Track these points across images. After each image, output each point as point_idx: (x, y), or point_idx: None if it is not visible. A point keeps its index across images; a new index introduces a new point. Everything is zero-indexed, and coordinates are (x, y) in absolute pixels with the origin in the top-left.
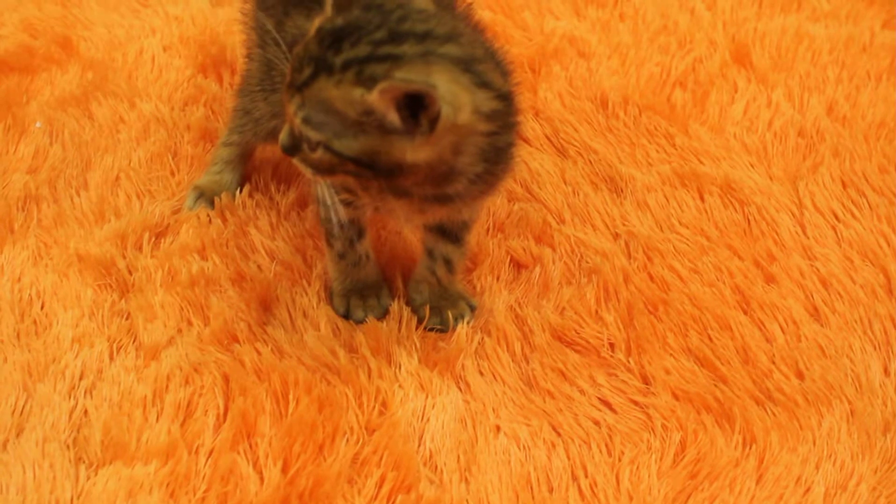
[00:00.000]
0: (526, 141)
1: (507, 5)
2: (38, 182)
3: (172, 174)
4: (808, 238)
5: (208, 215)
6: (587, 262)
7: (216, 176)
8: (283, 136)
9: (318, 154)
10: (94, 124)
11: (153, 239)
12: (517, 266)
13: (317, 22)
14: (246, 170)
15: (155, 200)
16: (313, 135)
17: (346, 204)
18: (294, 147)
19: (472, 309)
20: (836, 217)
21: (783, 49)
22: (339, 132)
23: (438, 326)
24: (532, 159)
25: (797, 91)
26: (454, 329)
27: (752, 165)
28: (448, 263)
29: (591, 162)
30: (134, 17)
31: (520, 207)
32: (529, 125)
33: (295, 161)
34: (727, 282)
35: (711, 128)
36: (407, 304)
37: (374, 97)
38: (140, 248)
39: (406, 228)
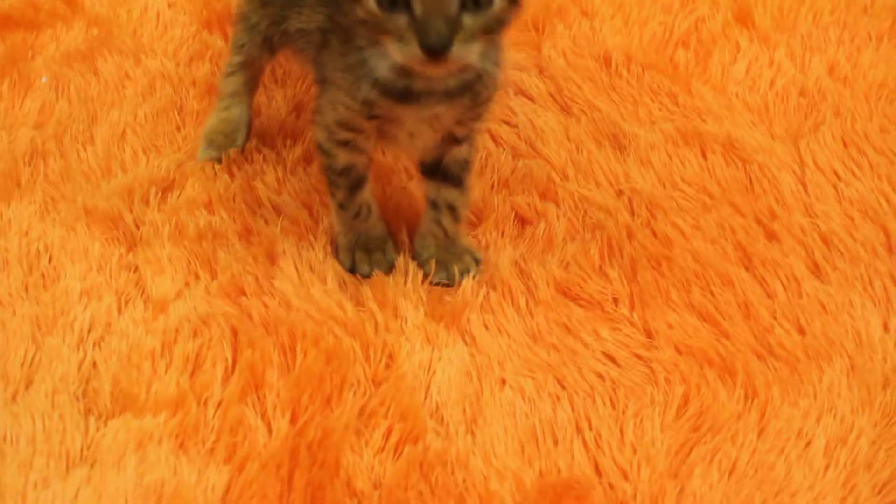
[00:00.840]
0: (530, 98)
1: None
2: (45, 137)
3: (178, 129)
4: (810, 196)
5: (214, 170)
6: (591, 219)
7: (224, 113)
8: (438, 30)
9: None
10: (99, 80)
11: (160, 193)
12: (522, 222)
13: None
14: (253, 102)
15: (161, 155)
16: None
17: (344, 145)
18: (452, 32)
19: (478, 263)
20: (838, 176)
21: (785, 9)
22: None
23: (444, 281)
24: (536, 116)
25: (799, 51)
26: (460, 283)
27: (753, 124)
28: (453, 211)
29: (594, 120)
30: None
31: (524, 164)
32: (533, 82)
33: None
34: (729, 238)
35: (714, 87)
36: (413, 258)
37: None
38: (147, 203)
39: (408, 154)
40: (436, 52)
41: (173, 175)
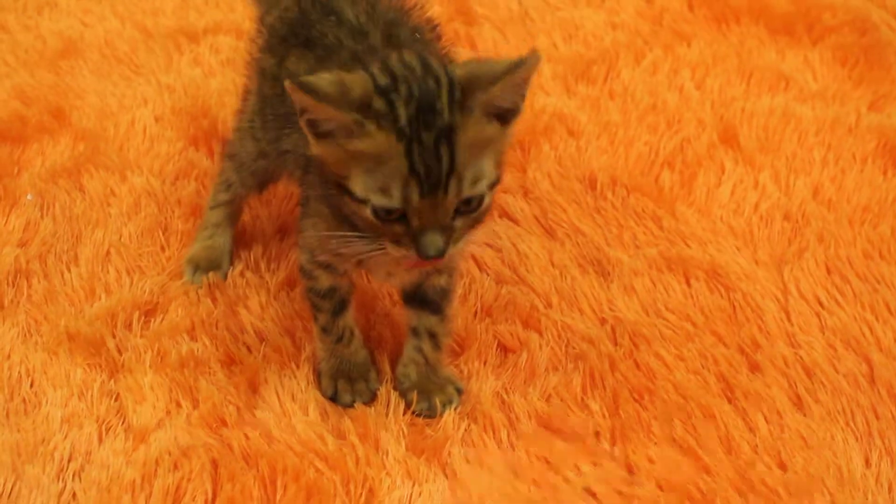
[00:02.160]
0: (514, 221)
1: None
2: (29, 256)
3: (163, 249)
4: (793, 325)
5: (198, 293)
6: (574, 348)
7: (208, 241)
8: (435, 244)
9: (487, 199)
10: (84, 197)
11: (143, 318)
12: (504, 350)
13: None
14: (235, 231)
15: (145, 276)
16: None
17: (326, 267)
18: (447, 240)
19: (460, 393)
20: (821, 304)
21: (770, 130)
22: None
23: (426, 412)
24: (520, 240)
25: (784, 173)
26: (441, 415)
27: (738, 249)
28: (433, 338)
29: (578, 244)
30: (126, 86)
31: (507, 291)
32: (518, 205)
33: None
34: (712, 369)
35: (699, 209)
36: (394, 388)
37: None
38: (130, 328)
39: (390, 283)
40: (432, 259)
41: (157, 298)
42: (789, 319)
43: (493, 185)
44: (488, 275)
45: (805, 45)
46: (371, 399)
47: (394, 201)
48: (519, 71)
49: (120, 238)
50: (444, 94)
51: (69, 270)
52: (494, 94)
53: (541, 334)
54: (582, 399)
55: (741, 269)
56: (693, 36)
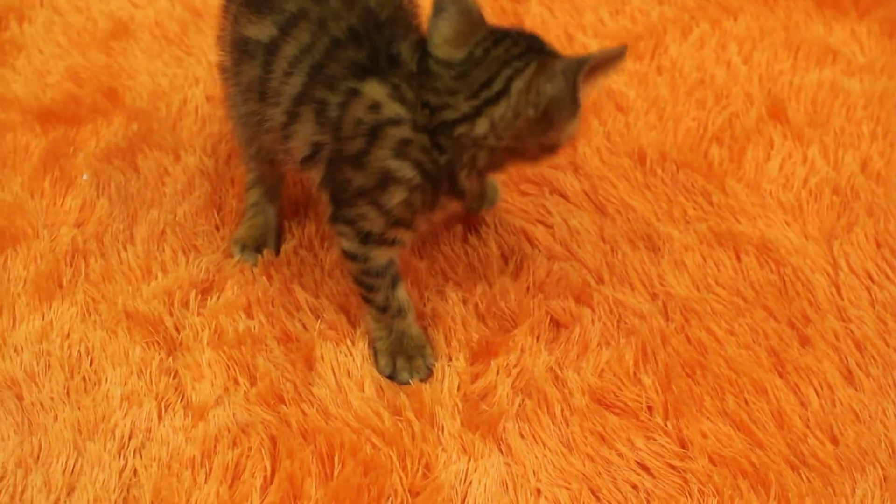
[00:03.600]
0: (565, 197)
1: None
2: (86, 236)
3: (217, 229)
4: (843, 299)
5: (253, 272)
6: (626, 323)
7: (250, 220)
8: None
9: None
10: (139, 177)
11: (199, 296)
12: (557, 325)
13: None
14: (279, 204)
15: (200, 255)
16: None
17: (390, 243)
18: None
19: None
20: (871, 278)
21: (818, 104)
22: None
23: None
24: (571, 216)
25: (832, 147)
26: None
27: (787, 224)
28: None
29: (629, 220)
30: (177, 66)
31: (559, 267)
32: (568, 181)
33: None
34: (763, 344)
35: (748, 184)
36: (449, 363)
37: None
38: (187, 306)
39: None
40: None
41: (212, 277)
42: (839, 294)
43: None
44: (540, 251)
45: (852, 18)
46: (428, 375)
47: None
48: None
49: (175, 217)
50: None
51: (125, 249)
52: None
53: (593, 309)
54: (634, 374)
55: (791, 244)
56: (740, 10)
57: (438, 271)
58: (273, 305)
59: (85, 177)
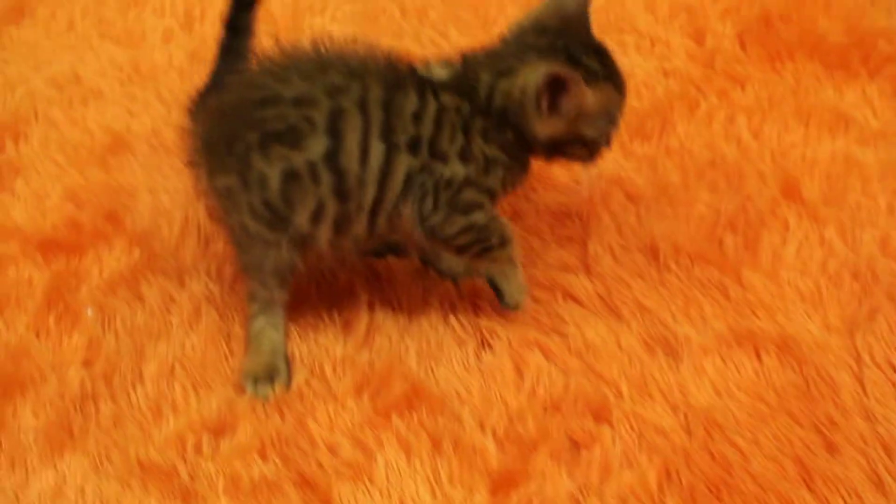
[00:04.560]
0: (579, 302)
1: None
2: (94, 376)
3: (226, 359)
4: (868, 397)
5: (265, 409)
6: (647, 440)
7: (257, 350)
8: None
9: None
10: (144, 307)
11: (213, 439)
12: (577, 446)
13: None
14: (284, 331)
15: (211, 391)
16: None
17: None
18: None
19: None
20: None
21: (833, 178)
22: None
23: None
24: (586, 324)
25: (849, 225)
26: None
27: (807, 315)
28: None
29: (645, 323)
30: (178, 179)
31: (576, 381)
32: (581, 284)
33: None
34: (788, 453)
35: (765, 273)
36: (471, 496)
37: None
38: (200, 451)
39: None
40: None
41: (225, 416)
42: (864, 391)
43: None
44: (556, 365)
45: (862, 79)
46: None
47: (617, 122)
48: None
49: (183, 350)
50: (589, 34)
51: (134, 389)
52: None
53: (612, 427)
54: (659, 497)
55: (812, 339)
56: (747, 78)
57: (454, 393)
58: (287, 445)
59: (90, 312)
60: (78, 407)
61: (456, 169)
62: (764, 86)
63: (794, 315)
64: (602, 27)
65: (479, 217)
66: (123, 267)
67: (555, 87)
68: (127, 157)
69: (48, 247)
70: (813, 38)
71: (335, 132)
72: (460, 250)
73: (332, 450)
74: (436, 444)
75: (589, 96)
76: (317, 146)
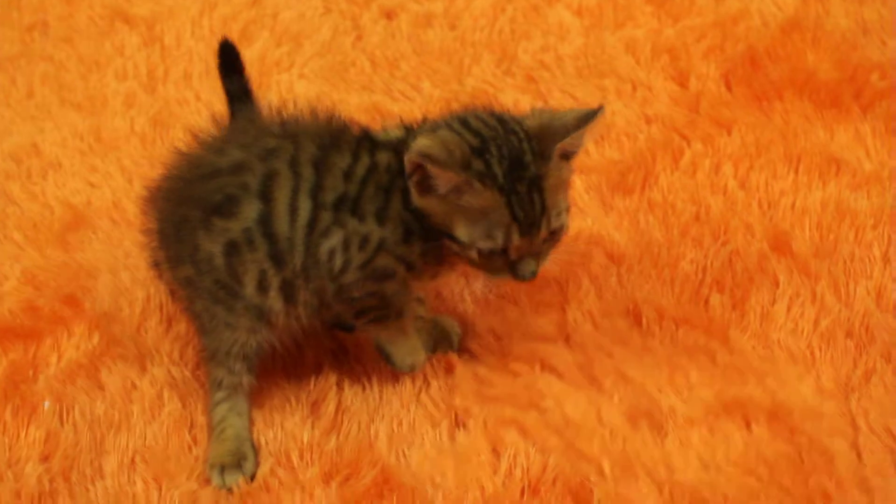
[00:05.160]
0: (558, 374)
1: None
2: (53, 473)
3: (190, 449)
4: (865, 465)
5: None
6: None
7: (220, 437)
8: (530, 268)
9: (566, 224)
10: (105, 396)
11: None
12: None
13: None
14: (248, 418)
15: (173, 484)
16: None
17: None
18: (538, 262)
19: (458, 335)
20: (893, 436)
21: (824, 229)
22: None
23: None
24: (566, 398)
25: (842, 279)
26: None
27: (799, 377)
28: (420, 301)
29: (628, 394)
30: (139, 255)
31: (555, 461)
32: (560, 355)
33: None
34: None
35: (753, 335)
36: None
37: None
38: None
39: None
40: (526, 280)
41: None
42: (860, 460)
43: (567, 212)
44: (534, 444)
45: (854, 116)
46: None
47: (498, 243)
48: (589, 123)
49: (144, 441)
50: (527, 148)
51: (94, 485)
52: (567, 143)
53: None
54: None
55: (805, 405)
56: (733, 121)
57: (426, 478)
58: None
59: (46, 405)
60: None
61: (371, 228)
62: (751, 129)
63: (786, 379)
64: (581, 72)
65: (389, 287)
66: (82, 354)
67: (421, 168)
68: (87, 233)
69: (5, 334)
70: (802, 76)
71: (266, 195)
72: (358, 314)
73: None
74: None
75: (465, 190)
76: (250, 212)
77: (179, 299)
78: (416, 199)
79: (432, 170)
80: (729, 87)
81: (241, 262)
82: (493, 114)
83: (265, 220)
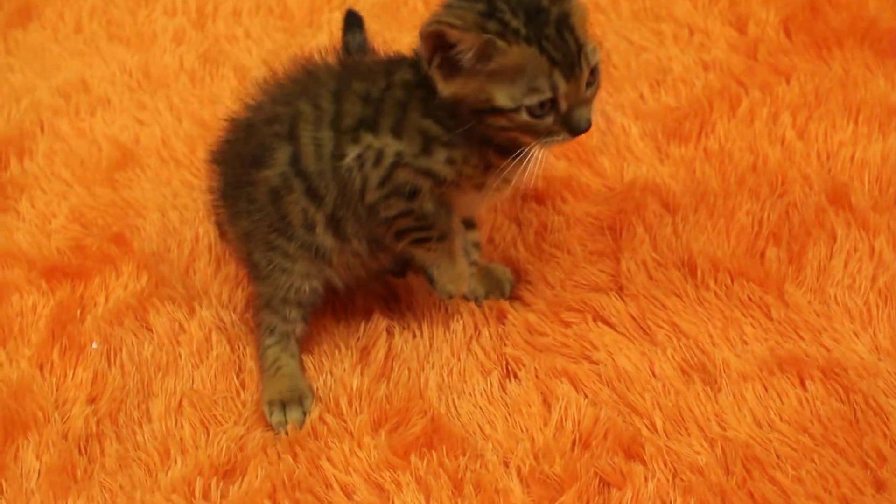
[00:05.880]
0: (611, 325)
1: (583, 150)
2: (100, 415)
3: (238, 393)
4: None
5: (277, 450)
6: (682, 479)
7: (276, 375)
8: (585, 116)
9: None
10: (152, 338)
11: (220, 483)
12: (607, 486)
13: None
14: (299, 361)
15: (220, 428)
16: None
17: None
18: (590, 110)
19: (511, 284)
20: None
21: (884, 182)
22: None
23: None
24: (618, 350)
25: None
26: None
27: (855, 335)
28: (476, 246)
29: (681, 347)
30: (187, 195)
31: (606, 415)
32: (613, 305)
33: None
34: (834, 492)
35: (810, 289)
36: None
37: None
38: (208, 497)
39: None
40: (584, 132)
41: (234, 457)
42: None
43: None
44: (586, 396)
45: None
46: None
47: (545, 92)
48: None
49: (192, 384)
50: None
51: (141, 428)
52: None
53: (645, 465)
54: None
55: (860, 363)
56: (792, 69)
57: (476, 429)
58: (300, 489)
59: (94, 345)
60: (82, 448)
61: (386, 142)
62: (810, 78)
63: (842, 335)
64: (637, 14)
65: (419, 205)
66: (130, 294)
67: (438, 42)
68: (135, 171)
69: (53, 273)
70: (863, 23)
71: (293, 136)
72: (398, 236)
73: (347, 491)
74: (457, 487)
75: (491, 53)
76: (283, 156)
77: (239, 253)
78: (444, 88)
79: (452, 35)
80: (788, 34)
81: (285, 205)
82: None
83: (296, 161)
